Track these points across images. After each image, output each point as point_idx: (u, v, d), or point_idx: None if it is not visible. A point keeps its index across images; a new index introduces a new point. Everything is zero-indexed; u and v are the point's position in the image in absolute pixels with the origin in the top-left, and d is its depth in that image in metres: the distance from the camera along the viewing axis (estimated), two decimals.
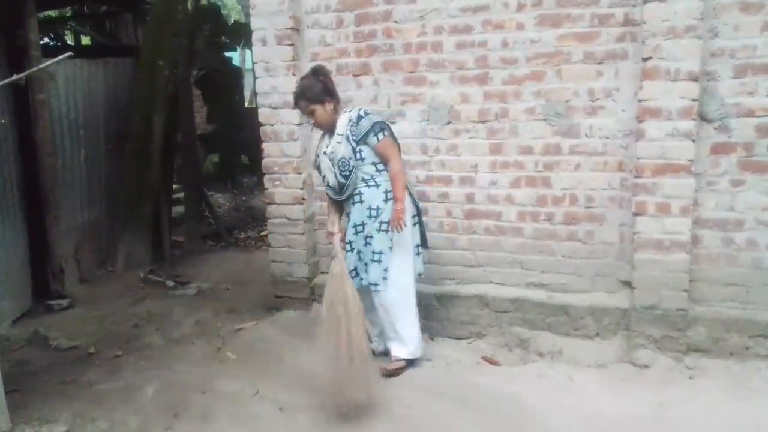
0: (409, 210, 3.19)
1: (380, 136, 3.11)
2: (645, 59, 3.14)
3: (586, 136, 3.42)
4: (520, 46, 3.46)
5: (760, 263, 3.21)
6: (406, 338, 3.28)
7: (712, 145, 3.20)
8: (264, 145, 3.98)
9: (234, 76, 9.09)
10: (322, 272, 4.14)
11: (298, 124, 3.88)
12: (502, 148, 3.59)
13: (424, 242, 3.37)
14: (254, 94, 4.23)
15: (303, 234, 3.98)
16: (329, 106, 3.17)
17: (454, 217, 3.76)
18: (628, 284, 3.41)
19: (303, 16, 3.86)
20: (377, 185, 3.17)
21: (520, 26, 3.44)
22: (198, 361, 3.54)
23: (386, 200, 3.16)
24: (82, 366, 3.52)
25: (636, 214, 3.28)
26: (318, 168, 3.32)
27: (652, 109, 3.16)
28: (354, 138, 3.12)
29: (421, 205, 3.45)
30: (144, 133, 5.36)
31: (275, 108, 3.90)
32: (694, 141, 3.13)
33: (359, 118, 3.13)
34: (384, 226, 3.14)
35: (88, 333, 4.03)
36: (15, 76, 2.95)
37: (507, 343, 3.60)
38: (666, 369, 3.20)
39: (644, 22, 3.12)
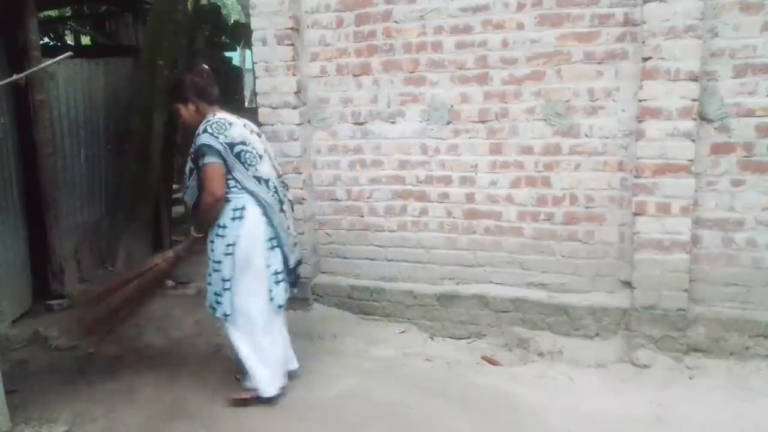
0: (262, 234, 2.92)
1: (204, 160, 2.85)
2: (645, 59, 3.14)
3: (586, 136, 3.43)
4: (520, 46, 3.46)
5: (760, 263, 3.21)
6: (252, 374, 3.01)
7: (712, 145, 3.20)
8: None
9: (234, 76, 9.09)
10: (322, 272, 4.14)
11: (298, 124, 3.88)
12: (502, 148, 3.59)
13: (288, 269, 3.03)
14: (254, 94, 4.22)
15: (303, 234, 3.98)
16: (192, 107, 2.99)
17: (454, 217, 3.76)
18: (628, 284, 3.41)
19: (303, 16, 3.87)
20: (227, 200, 2.90)
21: (520, 26, 3.44)
22: (198, 361, 3.54)
23: (233, 218, 2.88)
24: (82, 366, 3.52)
25: (636, 214, 3.28)
26: None
27: (652, 109, 3.16)
28: (193, 156, 2.92)
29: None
30: (144, 133, 5.35)
31: (275, 108, 3.90)
32: (694, 141, 3.13)
33: (197, 135, 2.89)
34: (230, 249, 2.89)
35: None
36: (15, 76, 2.94)
37: (507, 343, 3.60)
38: (666, 369, 3.20)
39: (644, 22, 3.12)
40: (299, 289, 3.97)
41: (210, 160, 2.86)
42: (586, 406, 2.91)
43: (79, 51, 6.38)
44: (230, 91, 8.96)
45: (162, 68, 5.29)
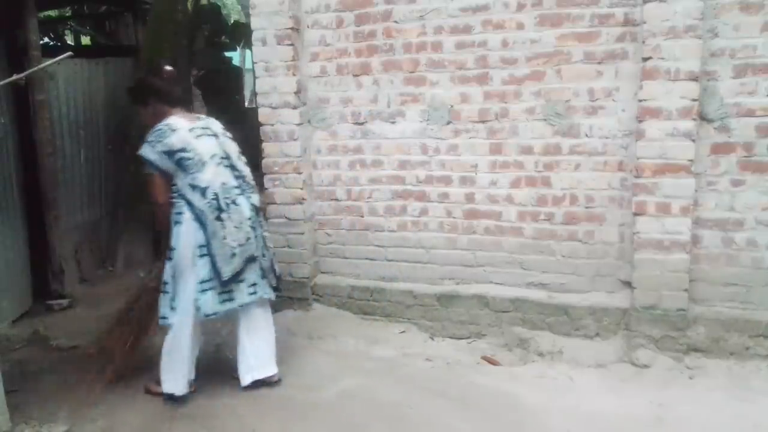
0: (193, 240, 2.91)
1: (146, 170, 2.99)
2: (645, 59, 3.14)
3: (586, 136, 3.42)
4: (520, 46, 3.46)
5: (760, 263, 3.21)
6: (160, 374, 3.07)
7: (712, 145, 3.20)
8: (264, 145, 3.99)
9: (234, 76, 9.08)
10: (322, 272, 4.14)
11: (298, 124, 3.88)
12: (502, 148, 3.59)
13: (219, 279, 2.93)
14: (254, 94, 4.23)
15: (303, 234, 3.99)
16: (151, 109, 3.06)
17: (454, 217, 3.76)
18: (628, 284, 3.41)
19: (303, 16, 3.87)
20: (171, 204, 3.00)
21: (520, 26, 3.44)
22: (197, 361, 3.53)
23: (174, 223, 2.96)
24: (82, 366, 3.52)
25: (636, 214, 3.28)
26: None
27: (652, 109, 3.16)
28: None
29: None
30: (144, 133, 5.36)
31: (275, 108, 3.90)
32: (694, 141, 3.13)
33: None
34: (170, 254, 2.97)
35: (88, 333, 4.03)
36: (15, 76, 2.94)
37: (507, 343, 3.60)
38: (666, 369, 3.20)
39: (644, 22, 3.12)
40: (298, 289, 4.02)
41: (149, 170, 2.97)
42: (586, 406, 2.91)
43: (79, 51, 6.38)
44: (230, 91, 8.95)
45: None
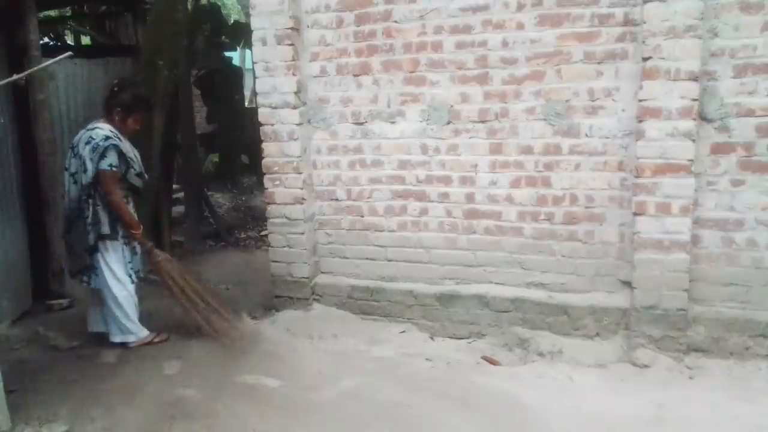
0: None
1: None
2: (645, 59, 3.14)
3: (586, 135, 3.43)
4: (520, 45, 3.46)
5: (760, 263, 3.21)
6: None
7: (712, 145, 3.20)
8: (264, 145, 3.99)
9: (234, 76, 9.07)
10: (322, 272, 4.14)
11: (298, 124, 3.88)
12: (502, 148, 3.59)
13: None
14: (254, 94, 4.23)
15: (303, 234, 3.99)
16: None
17: (454, 217, 3.77)
18: (628, 284, 3.41)
19: (303, 15, 3.87)
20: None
21: (520, 26, 3.44)
22: (198, 361, 3.54)
23: None
24: (82, 366, 3.52)
25: (636, 214, 3.28)
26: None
27: (652, 108, 3.16)
28: None
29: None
30: (144, 133, 5.35)
31: (275, 108, 3.90)
32: (694, 141, 3.13)
33: None
34: None
35: (88, 333, 4.03)
36: (15, 76, 2.95)
37: (507, 343, 3.60)
38: (666, 369, 3.20)
39: (644, 22, 3.12)
40: (298, 289, 4.01)
41: None
42: (586, 406, 2.91)
43: (79, 51, 6.38)
44: (230, 91, 8.95)
45: (162, 68, 5.29)
